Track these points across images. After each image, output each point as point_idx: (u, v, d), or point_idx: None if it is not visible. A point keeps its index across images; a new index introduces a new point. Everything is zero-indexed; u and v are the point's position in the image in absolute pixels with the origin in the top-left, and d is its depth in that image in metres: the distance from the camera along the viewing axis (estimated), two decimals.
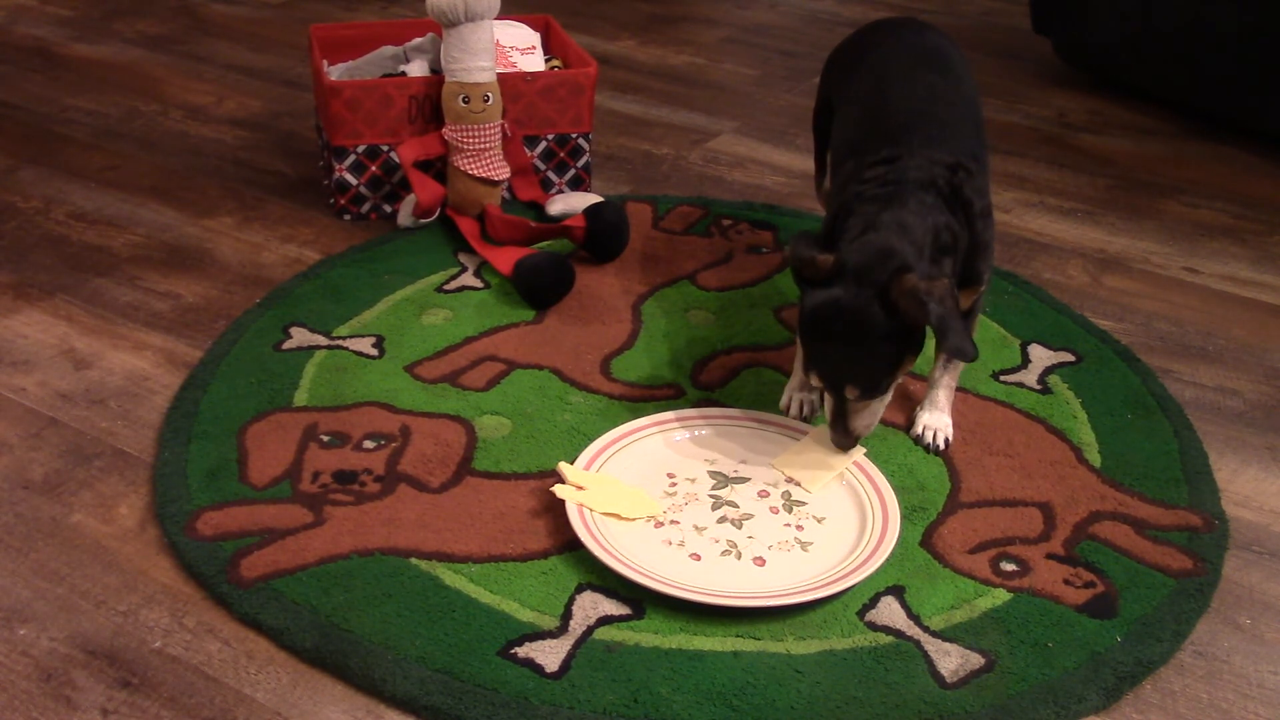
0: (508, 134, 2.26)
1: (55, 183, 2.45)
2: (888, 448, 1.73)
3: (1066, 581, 1.50)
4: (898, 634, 1.41)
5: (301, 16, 3.47)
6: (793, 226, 2.33)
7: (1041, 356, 1.95)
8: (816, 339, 1.55)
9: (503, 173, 2.24)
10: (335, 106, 2.21)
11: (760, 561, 1.50)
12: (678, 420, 1.74)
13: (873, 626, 1.42)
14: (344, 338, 1.93)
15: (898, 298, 1.48)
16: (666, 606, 1.43)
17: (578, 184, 2.43)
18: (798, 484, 1.64)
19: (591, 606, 1.43)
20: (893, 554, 1.52)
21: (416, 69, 2.33)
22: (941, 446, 1.72)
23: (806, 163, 2.54)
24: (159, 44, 3.22)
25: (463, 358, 1.90)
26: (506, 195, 2.36)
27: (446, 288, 2.08)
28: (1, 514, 1.57)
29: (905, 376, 1.79)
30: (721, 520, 1.57)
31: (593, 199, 2.30)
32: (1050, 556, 1.54)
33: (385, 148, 2.27)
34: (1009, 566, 1.52)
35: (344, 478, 1.62)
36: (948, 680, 1.35)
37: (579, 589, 1.46)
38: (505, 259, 2.10)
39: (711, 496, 1.61)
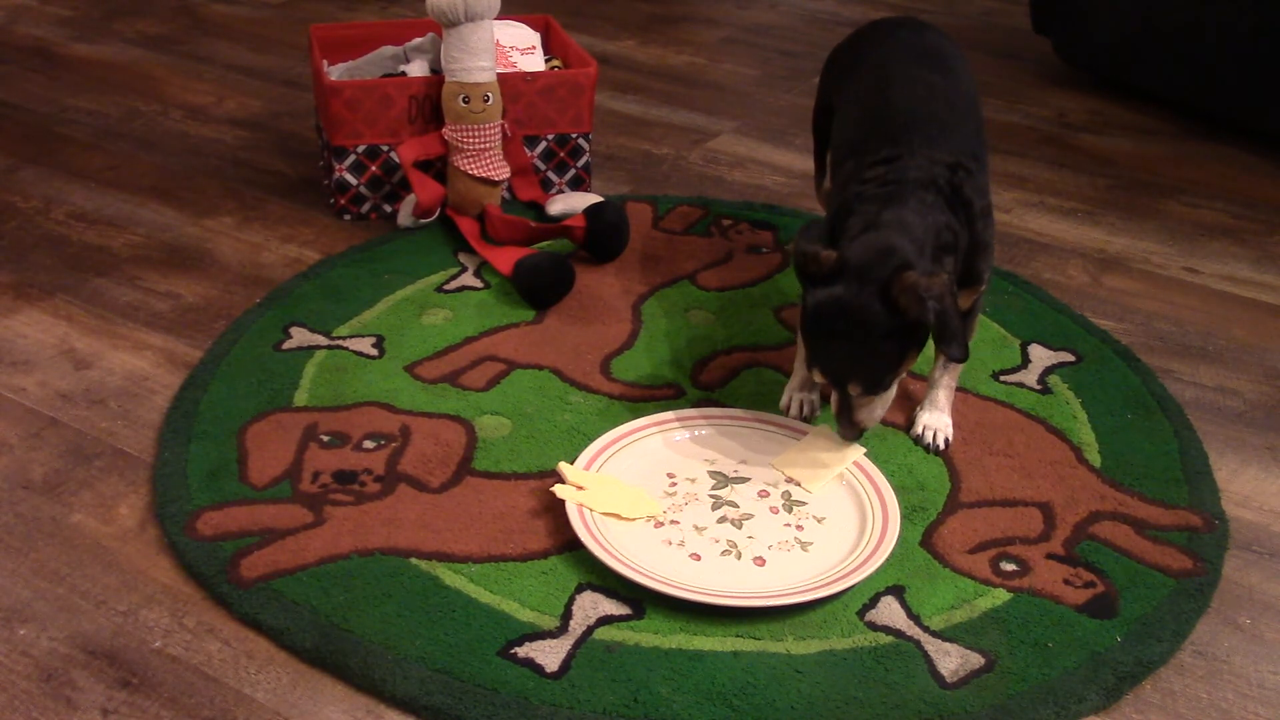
0: (508, 134, 2.26)
1: (55, 183, 2.45)
2: (888, 448, 1.73)
3: (1066, 581, 1.50)
4: (898, 634, 1.41)
5: (301, 16, 3.47)
6: (793, 226, 2.33)
7: (1041, 356, 1.95)
8: (819, 336, 1.56)
9: (503, 173, 2.24)
10: (335, 106, 2.21)
11: (760, 561, 1.50)
12: (678, 420, 1.74)
13: (873, 626, 1.42)
14: (344, 338, 1.93)
15: (898, 295, 1.48)
16: (666, 606, 1.43)
17: (578, 184, 2.43)
18: (798, 484, 1.64)
19: (591, 606, 1.43)
20: (893, 554, 1.52)
21: (416, 69, 2.33)
22: (941, 446, 1.72)
23: (806, 163, 2.54)
24: (159, 44, 3.22)
25: (463, 358, 1.90)
26: (506, 195, 2.36)
27: (446, 288, 2.08)
28: (1, 514, 1.57)
29: (906, 376, 1.80)
30: (721, 520, 1.57)
31: (593, 199, 2.30)
32: (1050, 556, 1.54)
33: (385, 148, 2.27)
34: (1009, 566, 1.52)
35: (344, 478, 1.62)
36: (948, 680, 1.35)
37: (579, 589, 1.46)
38: (505, 259, 2.10)
39: (711, 496, 1.61)
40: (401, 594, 1.44)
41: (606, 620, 1.41)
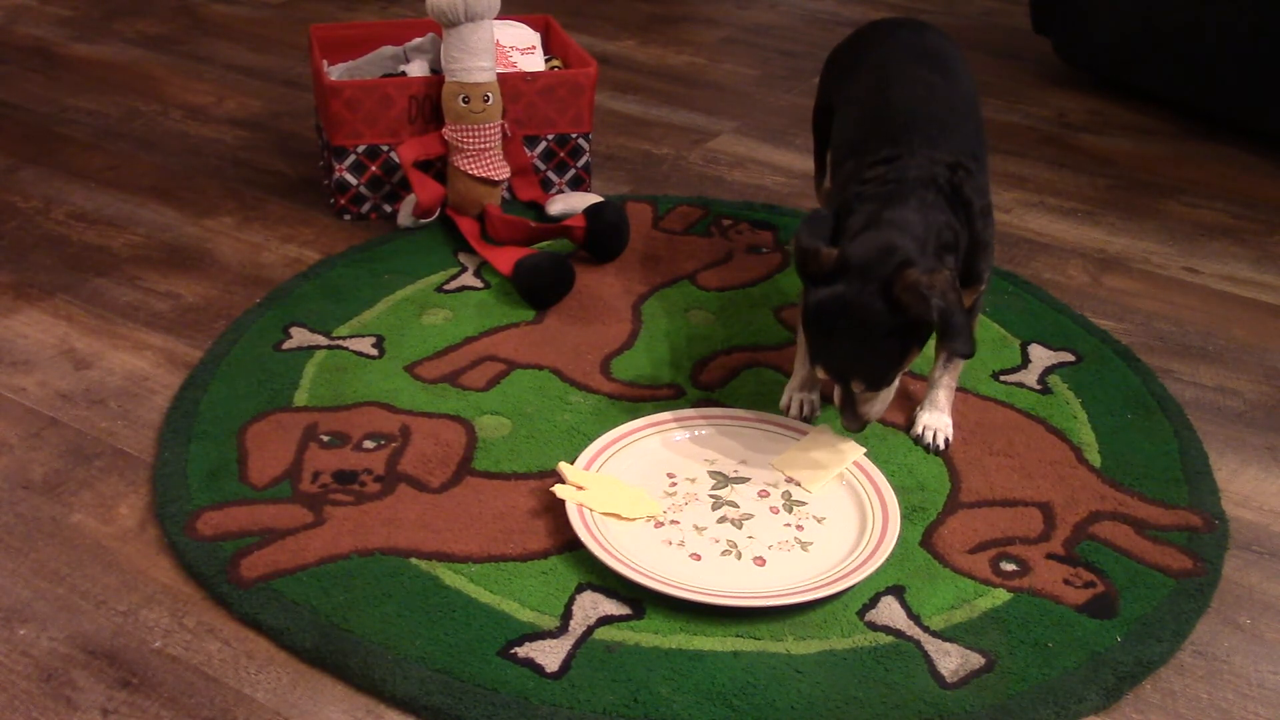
0: (508, 134, 2.26)
1: (55, 183, 2.45)
2: (888, 448, 1.73)
3: (1066, 581, 1.50)
4: (898, 634, 1.41)
5: (301, 16, 3.47)
6: (792, 226, 2.32)
7: (1041, 356, 1.95)
8: (821, 334, 1.55)
9: (503, 173, 2.24)
10: (335, 106, 2.21)
11: (760, 561, 1.50)
12: (677, 420, 1.74)
13: (873, 626, 1.42)
14: (344, 338, 1.93)
15: (900, 293, 1.48)
16: (666, 606, 1.43)
17: (578, 184, 2.43)
18: (798, 484, 1.64)
19: (591, 606, 1.43)
20: (893, 554, 1.52)
21: (416, 69, 2.33)
22: (941, 446, 1.72)
23: (806, 163, 2.54)
24: (159, 44, 3.22)
25: (463, 358, 1.90)
26: (506, 195, 2.36)
27: (446, 288, 2.08)
28: (1, 514, 1.57)
29: (905, 375, 1.80)
30: (721, 520, 1.57)
31: (593, 199, 2.30)
32: (1050, 556, 1.54)
33: (385, 148, 2.27)
34: (1009, 566, 1.52)
35: (344, 478, 1.62)
36: (948, 680, 1.35)
37: (579, 589, 1.46)
38: (505, 259, 2.10)
39: (711, 496, 1.61)
40: (401, 594, 1.44)
41: (606, 620, 1.41)
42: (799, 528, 1.56)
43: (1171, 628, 1.44)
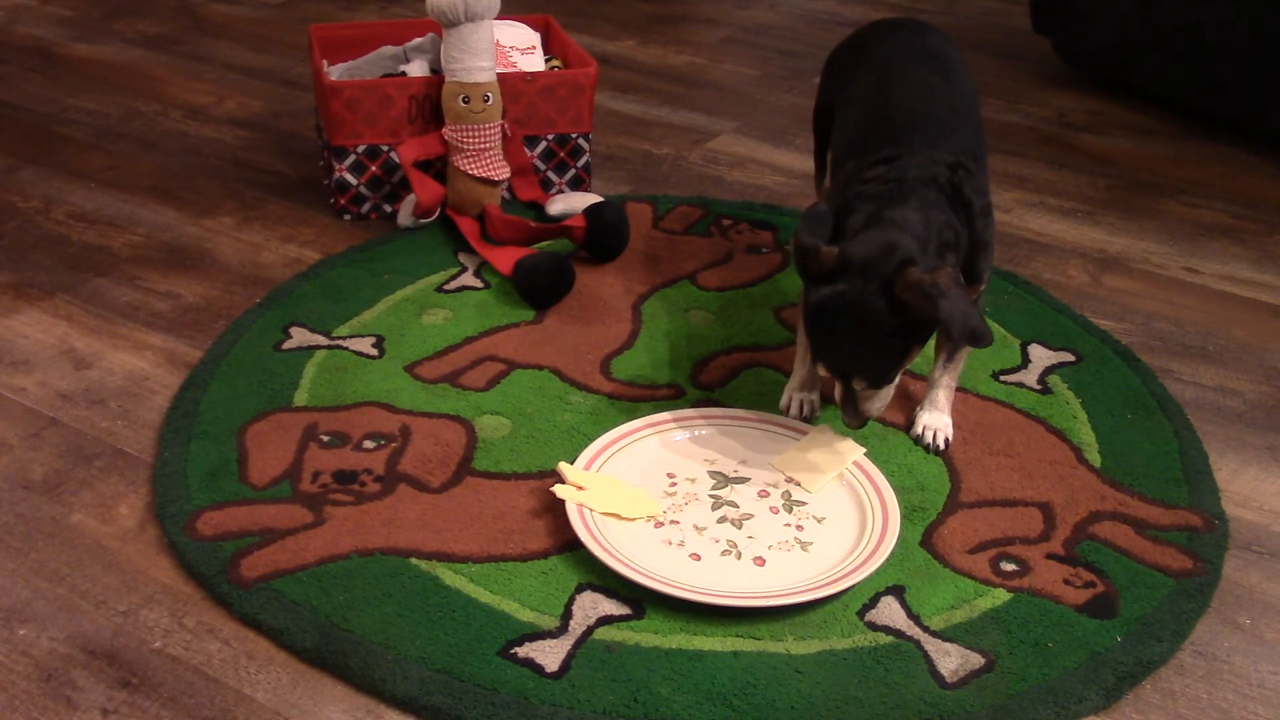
0: (508, 134, 2.26)
1: (55, 183, 2.45)
2: (888, 448, 1.73)
3: (1066, 581, 1.50)
4: (898, 634, 1.41)
5: (301, 16, 3.47)
6: (792, 226, 2.32)
7: (1041, 356, 1.95)
8: (823, 332, 1.55)
9: (503, 173, 2.24)
10: (335, 106, 2.21)
11: (760, 561, 1.50)
12: (677, 420, 1.74)
13: (873, 626, 1.42)
14: (344, 338, 1.93)
15: (902, 292, 1.48)
16: (666, 606, 1.43)
17: (578, 184, 2.43)
18: (798, 484, 1.64)
19: (591, 606, 1.43)
20: (893, 554, 1.52)
21: (416, 69, 2.33)
22: (941, 446, 1.72)
23: (806, 163, 2.54)
24: (159, 44, 3.23)
25: (463, 358, 1.90)
26: (506, 195, 2.36)
27: (446, 288, 2.08)
28: (1, 514, 1.57)
29: (905, 375, 1.80)
30: (721, 520, 1.57)
31: (593, 199, 2.30)
32: (1050, 556, 1.54)
33: (385, 148, 2.27)
34: (1009, 566, 1.52)
35: (344, 478, 1.62)
36: (948, 680, 1.35)
37: (579, 589, 1.46)
38: (505, 259, 2.10)
39: (711, 496, 1.61)
40: (401, 594, 1.44)
41: (606, 620, 1.41)
42: (799, 528, 1.56)
43: (1171, 628, 1.44)
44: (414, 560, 1.49)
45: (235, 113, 2.81)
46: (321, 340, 1.92)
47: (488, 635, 1.39)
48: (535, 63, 2.41)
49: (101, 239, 2.24)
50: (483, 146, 2.22)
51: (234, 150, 2.62)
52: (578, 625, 1.41)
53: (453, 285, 2.09)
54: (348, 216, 2.32)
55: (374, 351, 1.90)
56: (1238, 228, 2.44)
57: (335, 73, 2.38)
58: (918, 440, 1.74)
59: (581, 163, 2.41)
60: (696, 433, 1.73)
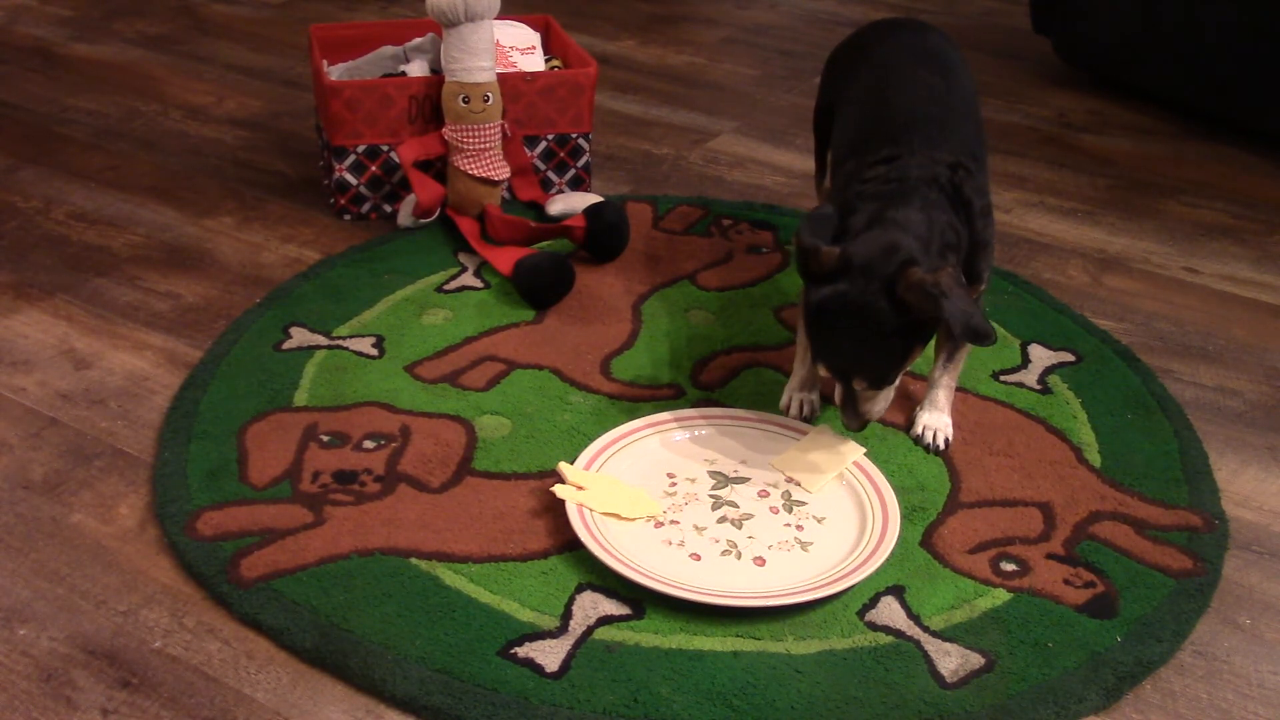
0: (508, 134, 2.26)
1: (55, 183, 2.45)
2: (888, 448, 1.73)
3: (1066, 581, 1.50)
4: (898, 634, 1.41)
5: (301, 16, 3.47)
6: (792, 226, 2.32)
7: (1041, 356, 1.95)
8: (823, 332, 1.55)
9: (503, 173, 2.24)
10: (335, 106, 2.21)
11: (760, 561, 1.50)
12: (677, 420, 1.74)
13: (873, 626, 1.42)
14: (344, 338, 1.93)
15: (905, 292, 1.48)
16: (666, 606, 1.43)
17: (578, 184, 2.43)
18: (798, 484, 1.64)
19: (591, 606, 1.43)
20: (893, 554, 1.52)
21: (416, 69, 2.33)
22: (941, 446, 1.72)
23: (806, 163, 2.54)
24: (159, 44, 3.23)
25: (463, 358, 1.90)
26: (506, 195, 2.36)
27: (446, 288, 2.08)
28: (1, 514, 1.57)
29: (905, 375, 1.79)
30: (721, 520, 1.57)
31: (593, 199, 2.30)
32: (1050, 556, 1.54)
33: (385, 148, 2.27)
34: (1009, 566, 1.52)
35: (344, 478, 1.62)
36: (948, 680, 1.35)
37: (579, 589, 1.46)
38: (505, 259, 2.10)
39: (711, 496, 1.61)
40: (401, 594, 1.44)
41: (606, 620, 1.41)
42: (799, 528, 1.56)
43: (1171, 628, 1.44)
44: (414, 560, 1.49)
45: (235, 113, 2.81)
46: (321, 340, 1.92)
47: (488, 635, 1.39)
48: (535, 63, 2.41)
49: (101, 239, 2.24)
50: (483, 146, 2.22)
51: (234, 150, 2.62)
52: (578, 625, 1.41)
53: (453, 285, 2.09)
54: (348, 216, 2.32)
55: (374, 351, 1.90)
56: (1238, 228, 2.44)
57: (335, 73, 2.38)
58: (918, 440, 1.74)
59: (581, 163, 2.41)
60: (696, 433, 1.73)
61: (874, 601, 1.46)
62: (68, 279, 2.10)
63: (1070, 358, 1.95)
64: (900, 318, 1.50)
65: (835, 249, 1.52)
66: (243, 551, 1.49)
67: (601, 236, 2.15)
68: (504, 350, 1.92)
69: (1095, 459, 1.72)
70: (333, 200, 2.32)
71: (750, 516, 1.58)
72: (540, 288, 2.03)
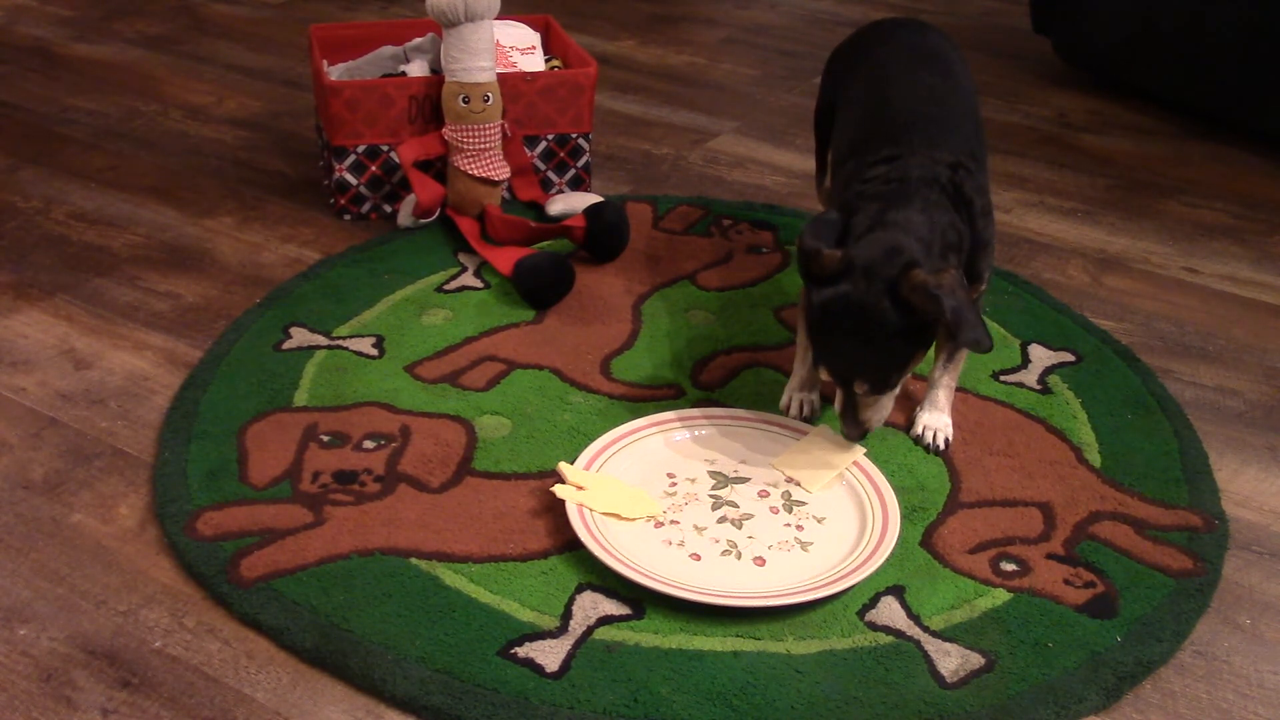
0: (508, 134, 2.26)
1: (55, 183, 2.45)
2: (888, 448, 1.73)
3: (1066, 581, 1.50)
4: (898, 634, 1.41)
5: (301, 16, 3.47)
6: (792, 226, 2.33)
7: (1041, 356, 1.95)
8: (825, 334, 1.55)
9: (503, 173, 2.24)
10: (335, 106, 2.21)
11: (760, 561, 1.50)
12: (678, 420, 1.74)
13: (873, 626, 1.42)
14: (344, 338, 1.93)
15: (909, 293, 1.48)
16: (666, 606, 1.43)
17: (578, 184, 2.43)
18: (798, 484, 1.64)
19: (591, 606, 1.43)
20: (893, 554, 1.52)
21: (416, 69, 2.33)
22: (941, 446, 1.72)
23: (806, 163, 2.54)
24: (159, 44, 3.23)
25: (463, 358, 1.90)
26: (506, 195, 2.36)
27: (446, 288, 2.08)
28: (1, 514, 1.57)
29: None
30: (721, 520, 1.57)
31: (593, 199, 2.30)
32: (1050, 556, 1.54)
33: (385, 148, 2.27)
34: (1009, 566, 1.52)
35: (344, 478, 1.62)
36: (948, 680, 1.35)
37: (579, 589, 1.46)
38: (505, 259, 2.10)
39: (711, 496, 1.61)
40: (401, 594, 1.44)
41: (606, 620, 1.41)
42: (799, 528, 1.56)
43: (1171, 628, 1.44)
44: (414, 560, 1.49)
45: (235, 113, 2.81)
46: (321, 340, 1.92)
47: (488, 635, 1.39)
48: (535, 63, 2.41)
49: (101, 239, 2.24)
50: (483, 146, 2.22)
51: (234, 150, 2.62)
52: (578, 625, 1.41)
53: (453, 285, 2.09)
54: (348, 216, 2.32)
55: (374, 351, 1.90)
56: (1238, 228, 2.44)
57: (335, 73, 2.38)
58: (918, 440, 1.74)
59: (581, 163, 2.41)
60: (697, 433, 1.73)
61: (874, 601, 1.46)
62: (68, 279, 2.10)
63: (1070, 358, 1.95)
64: (902, 319, 1.50)
65: (837, 252, 1.52)
66: (243, 551, 1.49)
67: (601, 236, 2.15)
68: (504, 350, 1.92)
69: (1095, 459, 1.72)
70: (333, 200, 2.32)
71: (750, 516, 1.58)
72: (540, 288, 2.03)
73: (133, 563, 1.50)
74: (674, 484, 1.63)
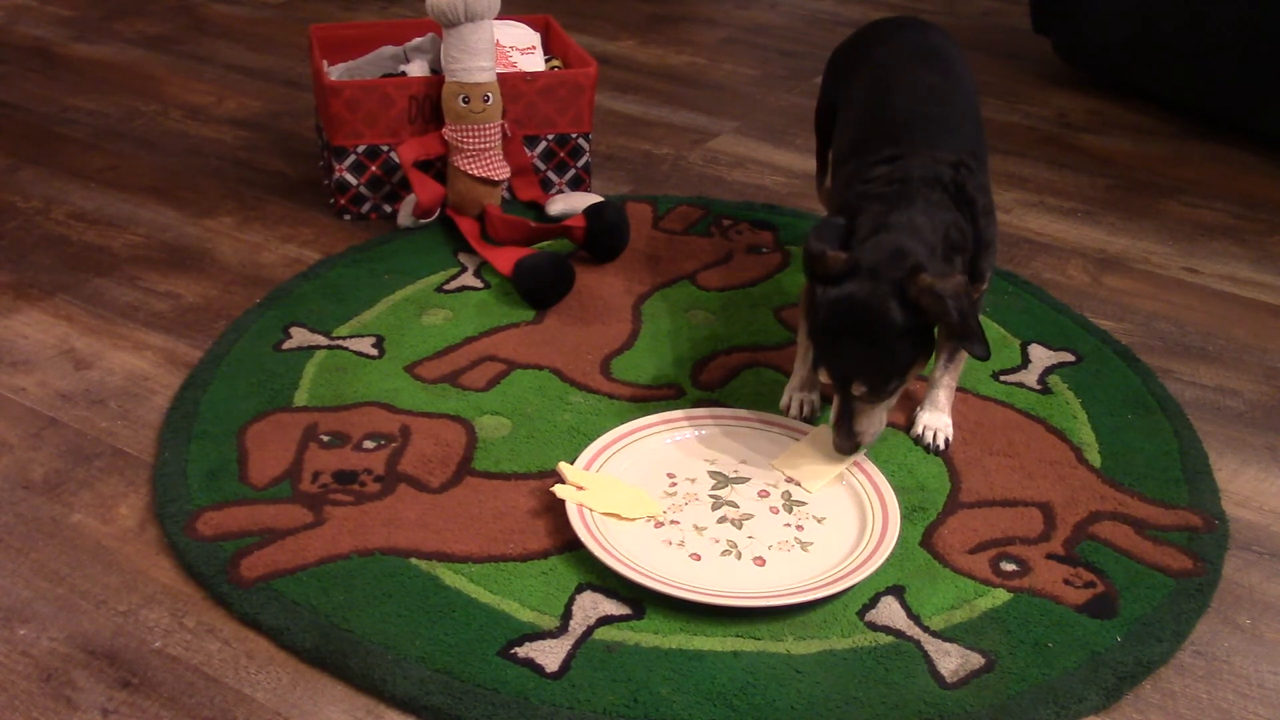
0: (508, 134, 2.26)
1: (55, 183, 2.45)
2: (888, 448, 1.73)
3: (1066, 581, 1.50)
4: (898, 634, 1.41)
5: (301, 16, 3.47)
6: (793, 226, 2.33)
7: (1041, 356, 1.95)
8: (829, 334, 1.55)
9: (503, 173, 2.24)
10: (335, 106, 2.21)
11: (760, 561, 1.50)
12: (678, 420, 1.73)
13: (873, 626, 1.42)
14: (344, 338, 1.93)
15: (916, 296, 1.48)
16: (666, 606, 1.43)
17: (578, 184, 2.43)
18: (798, 484, 1.64)
19: (591, 606, 1.43)
20: (893, 554, 1.52)
21: (416, 69, 2.33)
22: (941, 446, 1.72)
23: (806, 163, 2.54)
24: (159, 44, 3.23)
25: (463, 358, 1.90)
26: (506, 195, 2.36)
27: (446, 288, 2.08)
28: (1, 514, 1.57)
29: None
30: (721, 520, 1.57)
31: (593, 199, 2.30)
32: (1050, 556, 1.54)
33: (385, 148, 2.27)
34: (1009, 566, 1.52)
35: (344, 478, 1.62)
36: (948, 680, 1.35)
37: (579, 589, 1.46)
38: (505, 259, 2.10)
39: (711, 496, 1.61)
40: (401, 594, 1.44)
41: (606, 620, 1.41)
42: (799, 528, 1.56)
43: (1171, 628, 1.44)
44: (414, 560, 1.49)
45: (235, 113, 2.81)
46: (321, 340, 1.92)
47: (488, 635, 1.39)
48: (535, 63, 2.41)
49: (101, 239, 2.24)
50: (483, 146, 2.22)
51: (234, 150, 2.62)
52: (578, 625, 1.41)
53: (453, 285, 2.09)
54: (348, 216, 2.32)
55: (374, 351, 1.90)
56: (1238, 228, 2.44)
57: (335, 73, 2.38)
58: (918, 440, 1.74)
59: (581, 163, 2.41)
60: (696, 433, 1.73)
61: (874, 601, 1.46)
62: (68, 279, 2.10)
63: (1070, 358, 1.95)
64: (906, 321, 1.50)
65: (843, 254, 1.53)
66: (243, 551, 1.49)
67: (601, 236, 2.15)
68: (504, 350, 1.92)
69: (1095, 459, 1.72)
70: (333, 200, 2.32)
71: (750, 516, 1.58)
72: (540, 288, 2.03)
73: (133, 563, 1.50)
74: (674, 484, 1.63)
